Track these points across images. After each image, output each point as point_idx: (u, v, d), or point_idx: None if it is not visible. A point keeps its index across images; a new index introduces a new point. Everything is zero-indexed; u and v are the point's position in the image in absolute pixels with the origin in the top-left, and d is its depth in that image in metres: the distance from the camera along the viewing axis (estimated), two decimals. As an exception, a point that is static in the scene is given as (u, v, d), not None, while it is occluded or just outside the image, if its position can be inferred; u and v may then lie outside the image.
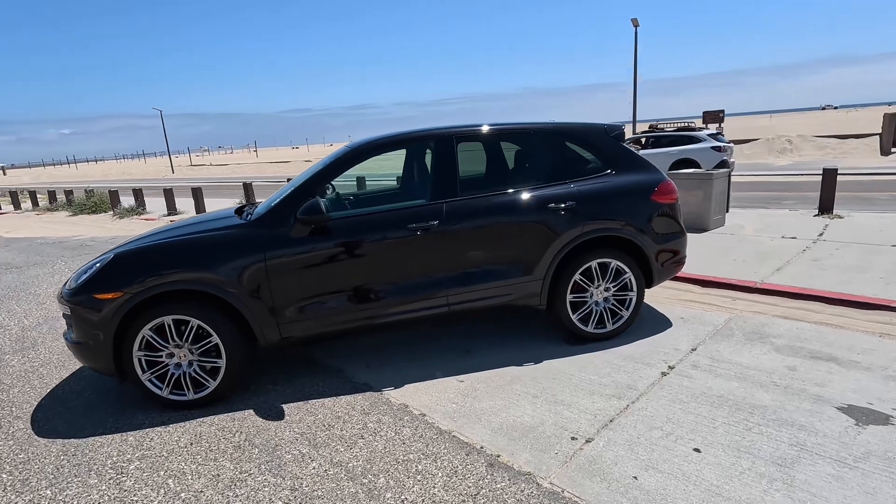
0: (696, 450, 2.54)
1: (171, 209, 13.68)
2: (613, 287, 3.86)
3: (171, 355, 3.25)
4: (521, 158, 4.05)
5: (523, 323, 4.33)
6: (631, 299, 3.90)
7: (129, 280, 3.13)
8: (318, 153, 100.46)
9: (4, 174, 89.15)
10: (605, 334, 3.89)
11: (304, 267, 3.33)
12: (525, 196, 3.66)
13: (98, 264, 3.26)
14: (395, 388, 3.43)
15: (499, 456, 2.63)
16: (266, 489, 2.50)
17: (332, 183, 3.76)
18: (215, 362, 3.28)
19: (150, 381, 3.26)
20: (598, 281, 3.81)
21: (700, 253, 5.86)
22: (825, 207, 7.59)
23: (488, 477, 2.47)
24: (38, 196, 20.38)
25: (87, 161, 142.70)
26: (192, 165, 64.83)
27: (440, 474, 2.52)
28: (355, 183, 6.96)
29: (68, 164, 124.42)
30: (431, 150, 3.68)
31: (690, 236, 6.64)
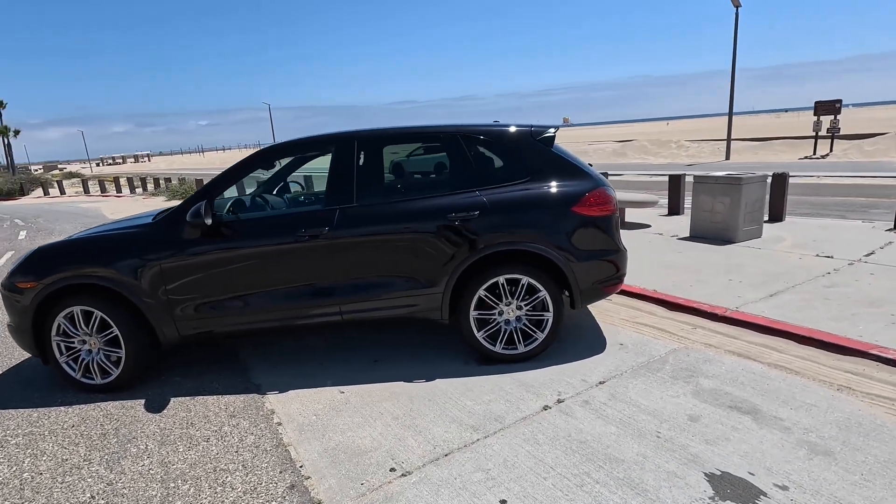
0: (503, 501, 2.25)
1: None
2: (526, 306, 3.53)
3: (84, 342, 3.54)
4: (428, 164, 3.83)
5: (449, 335, 4.12)
6: (547, 321, 3.54)
7: (43, 272, 3.45)
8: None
9: (149, 160, 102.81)
10: (515, 356, 3.58)
11: (196, 268, 3.44)
12: (424, 205, 3.46)
13: (24, 256, 3.63)
14: (280, 392, 3.44)
15: (308, 478, 2.53)
16: (88, 480, 2.63)
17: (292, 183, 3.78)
18: (118, 352, 3.52)
19: (66, 363, 3.57)
20: (507, 298, 3.50)
21: (696, 269, 5.17)
22: (904, 220, 6.32)
23: (279, 500, 2.40)
24: (146, 182, 23.22)
25: (215, 150, 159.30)
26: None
27: (239, 489, 2.49)
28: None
29: (199, 152, 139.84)
30: (332, 154, 3.60)
31: (709, 248, 5.93)
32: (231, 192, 3.92)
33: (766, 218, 6.96)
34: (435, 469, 2.52)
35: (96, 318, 3.47)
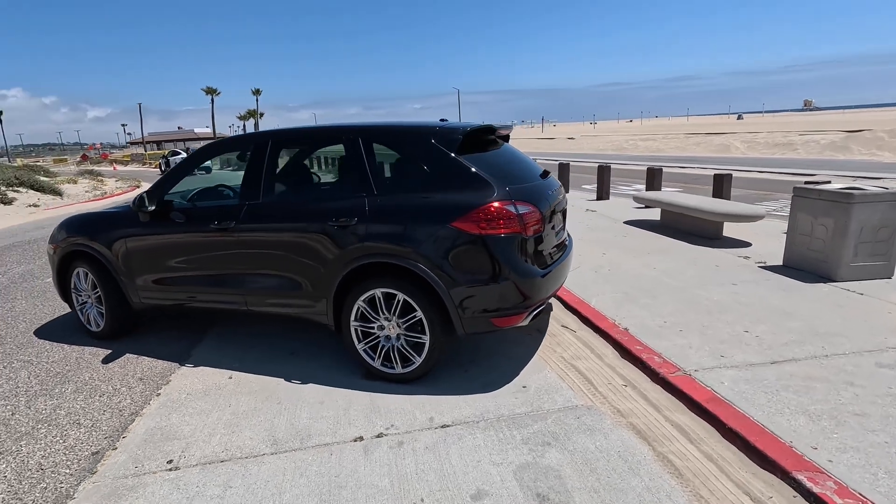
0: None
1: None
2: (403, 325, 3.23)
3: (89, 297, 4.41)
4: (329, 166, 3.67)
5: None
6: (423, 344, 3.20)
7: (59, 239, 4.38)
8: (604, 129, 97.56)
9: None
10: (391, 375, 3.33)
11: (147, 247, 3.97)
12: (313, 207, 3.40)
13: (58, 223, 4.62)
14: (194, 367, 3.81)
15: (114, 449, 2.81)
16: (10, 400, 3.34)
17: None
18: (100, 308, 4.29)
19: (79, 310, 4.51)
20: (384, 313, 3.25)
21: (739, 313, 4.00)
22: None
23: (77, 461, 2.71)
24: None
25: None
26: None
27: (65, 443, 2.88)
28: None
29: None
30: (250, 152, 3.73)
31: (790, 285, 4.56)
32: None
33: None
34: (197, 472, 2.55)
35: (91, 277, 4.28)
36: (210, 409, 3.16)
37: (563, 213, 3.87)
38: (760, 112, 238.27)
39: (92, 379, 3.69)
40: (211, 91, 70.10)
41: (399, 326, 3.25)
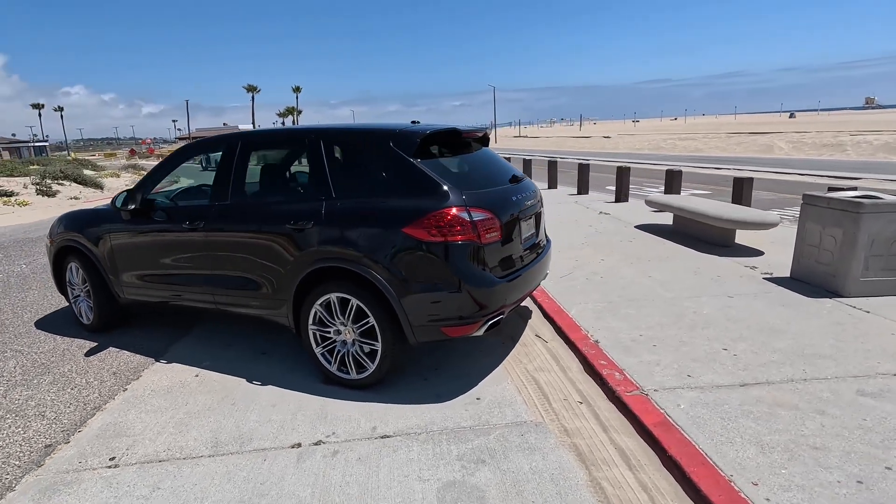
0: (116, 524, 2.22)
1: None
2: (357, 330, 3.19)
3: (80, 288, 4.57)
4: (292, 168, 3.64)
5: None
6: (376, 351, 3.15)
7: (55, 233, 4.56)
8: (646, 128, 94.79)
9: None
10: (346, 381, 3.30)
11: (129, 244, 4.07)
12: (275, 209, 3.39)
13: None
14: (167, 363, 3.89)
15: (67, 443, 2.88)
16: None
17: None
18: (89, 302, 4.45)
19: (73, 303, 4.68)
20: (339, 318, 3.22)
21: (732, 332, 3.77)
22: None
23: (30, 452, 2.80)
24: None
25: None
26: (516, 137, 71.51)
27: (24, 433, 2.98)
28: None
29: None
30: (222, 153, 3.76)
31: (790, 299, 4.30)
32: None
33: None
34: (133, 472, 2.58)
35: (81, 273, 4.44)
36: (167, 407, 3.21)
37: (537, 216, 3.74)
38: (816, 110, 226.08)
39: (70, 371, 3.82)
40: (252, 88, 72.13)
41: (354, 332, 3.22)
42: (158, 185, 4.15)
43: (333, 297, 3.20)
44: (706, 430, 2.49)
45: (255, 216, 3.46)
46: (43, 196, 15.41)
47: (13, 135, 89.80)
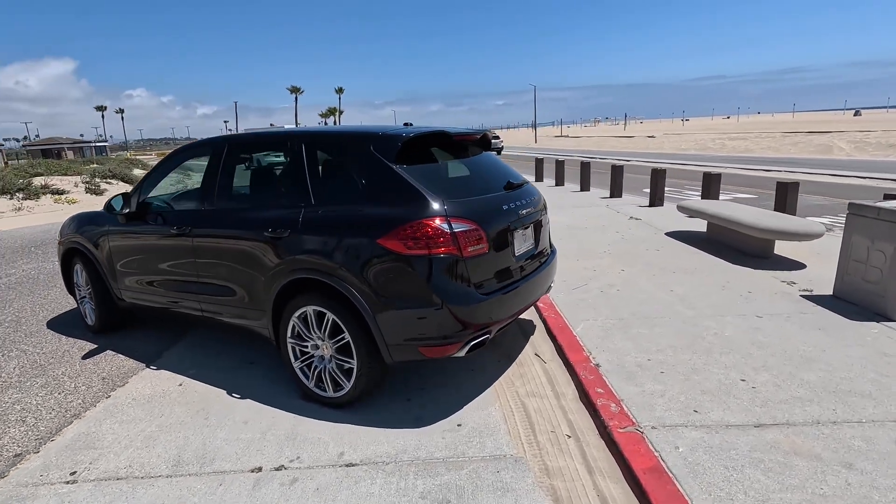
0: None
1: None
2: (333, 346, 3.01)
3: (84, 290, 4.61)
4: (274, 173, 3.47)
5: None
6: (351, 369, 2.95)
7: (64, 234, 4.62)
8: (696, 126, 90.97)
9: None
10: (323, 398, 3.12)
11: (124, 247, 4.05)
12: (254, 216, 3.25)
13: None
14: (156, 370, 3.83)
15: (36, 453, 2.83)
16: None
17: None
18: (91, 304, 4.47)
19: (80, 304, 4.74)
20: (316, 332, 3.05)
21: (757, 361, 3.38)
22: None
23: (2, 460, 2.78)
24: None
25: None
26: (557, 136, 70.14)
27: (2, 438, 2.96)
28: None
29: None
30: (208, 157, 3.65)
31: (832, 321, 3.88)
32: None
33: None
34: (89, 489, 2.49)
35: (83, 271, 4.48)
36: (142, 418, 3.13)
37: (536, 225, 3.45)
38: (885, 107, 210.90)
39: (63, 374, 3.82)
40: (295, 90, 73.97)
41: (330, 348, 3.03)
42: (156, 189, 4.11)
43: (310, 309, 3.03)
44: (704, 481, 2.16)
45: (238, 222, 3.33)
46: (91, 194, 16.16)
47: (81, 135, 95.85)
